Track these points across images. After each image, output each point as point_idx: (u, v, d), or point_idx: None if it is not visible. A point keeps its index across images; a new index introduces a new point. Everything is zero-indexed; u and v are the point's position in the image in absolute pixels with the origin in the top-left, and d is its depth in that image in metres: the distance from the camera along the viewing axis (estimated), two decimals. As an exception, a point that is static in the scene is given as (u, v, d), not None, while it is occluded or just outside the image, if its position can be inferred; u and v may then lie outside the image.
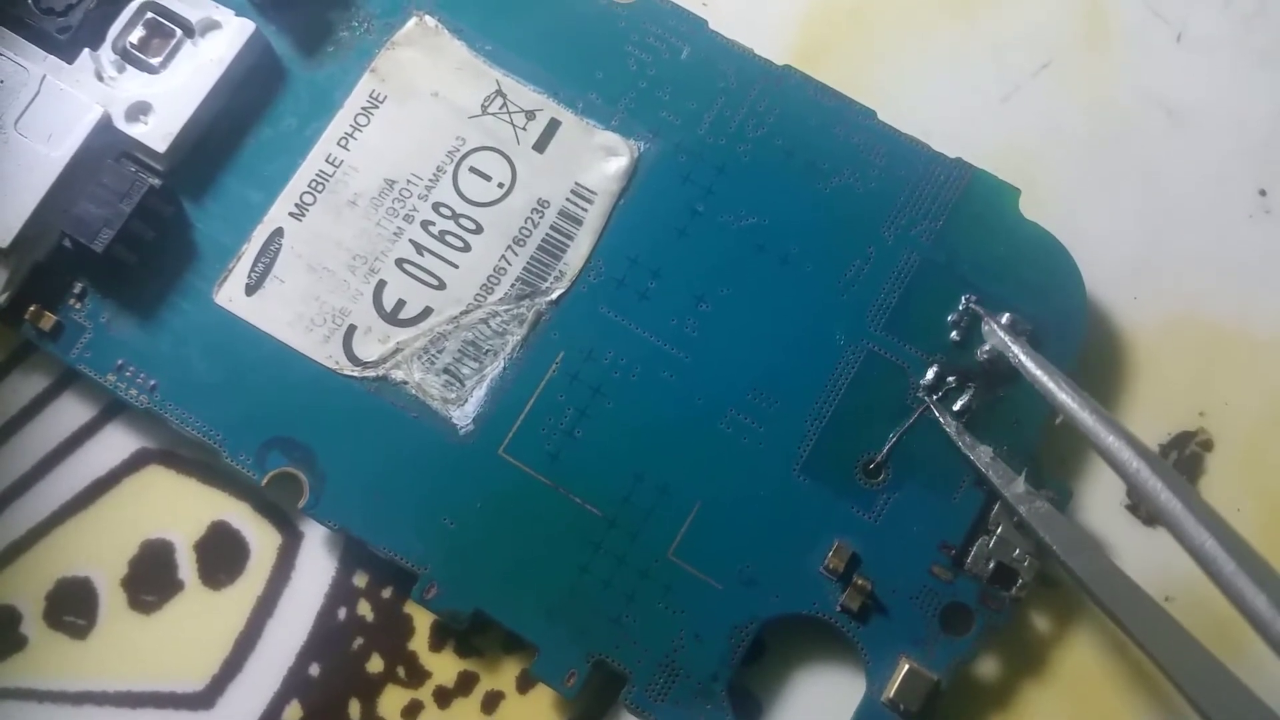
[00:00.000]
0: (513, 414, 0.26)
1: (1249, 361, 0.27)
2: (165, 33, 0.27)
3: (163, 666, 0.26)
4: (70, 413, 0.28)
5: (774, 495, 0.26)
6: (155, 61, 0.27)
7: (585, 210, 0.27)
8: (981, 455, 0.25)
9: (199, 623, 0.27)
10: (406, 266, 0.27)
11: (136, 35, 0.27)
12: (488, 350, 0.26)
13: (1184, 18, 0.29)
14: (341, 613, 0.27)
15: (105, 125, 0.26)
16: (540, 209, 0.27)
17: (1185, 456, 0.27)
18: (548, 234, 0.27)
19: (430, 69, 0.28)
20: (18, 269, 0.26)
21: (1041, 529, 0.24)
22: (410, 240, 0.27)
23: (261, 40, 0.27)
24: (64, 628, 0.27)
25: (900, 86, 0.29)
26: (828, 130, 0.27)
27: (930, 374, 0.26)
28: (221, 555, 0.27)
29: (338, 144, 0.27)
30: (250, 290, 0.27)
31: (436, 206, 0.27)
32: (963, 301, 0.26)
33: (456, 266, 0.27)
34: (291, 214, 0.27)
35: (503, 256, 0.27)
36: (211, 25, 0.27)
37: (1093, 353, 0.27)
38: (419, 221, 0.27)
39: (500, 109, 0.27)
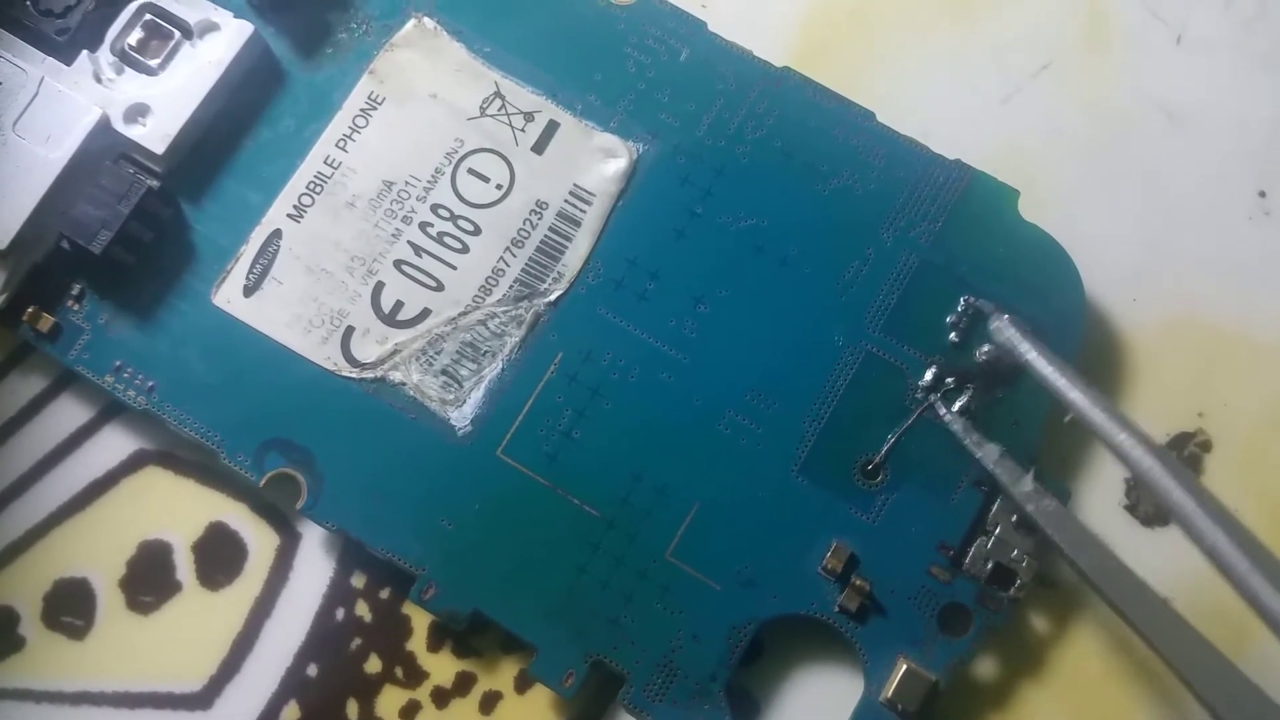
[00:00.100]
0: (511, 415, 0.26)
1: (1248, 363, 0.27)
2: (163, 34, 0.27)
3: (160, 667, 0.26)
4: (68, 414, 0.28)
5: (772, 496, 0.26)
6: (153, 63, 0.27)
7: (584, 212, 0.27)
8: (989, 453, 0.25)
9: (197, 623, 0.27)
10: (405, 268, 0.27)
11: (135, 37, 0.27)
12: (486, 351, 0.26)
13: (1184, 19, 0.29)
14: (339, 613, 0.27)
15: (103, 127, 0.26)
16: (539, 210, 0.27)
17: (1184, 457, 0.27)
18: (546, 235, 0.27)
19: (429, 71, 0.28)
20: (16, 270, 0.26)
21: (1049, 527, 0.24)
22: (408, 242, 0.27)
23: (260, 42, 0.27)
24: (62, 628, 0.27)
25: (900, 88, 0.29)
26: (827, 132, 0.27)
27: (929, 375, 0.26)
28: (219, 556, 0.27)
29: (336, 145, 0.27)
30: (248, 291, 0.27)
31: (435, 208, 0.27)
32: (962, 303, 0.26)
33: (455, 268, 0.27)
34: (290, 215, 0.27)
35: (501, 258, 0.27)
36: (210, 27, 0.27)
37: (1092, 354, 0.27)
38: (417, 223, 0.27)
39: (499, 111, 0.27)
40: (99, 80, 0.27)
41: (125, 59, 0.27)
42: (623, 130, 0.27)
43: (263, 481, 0.26)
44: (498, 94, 0.27)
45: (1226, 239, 0.28)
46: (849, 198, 0.27)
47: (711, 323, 0.26)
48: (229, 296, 0.27)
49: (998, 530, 0.25)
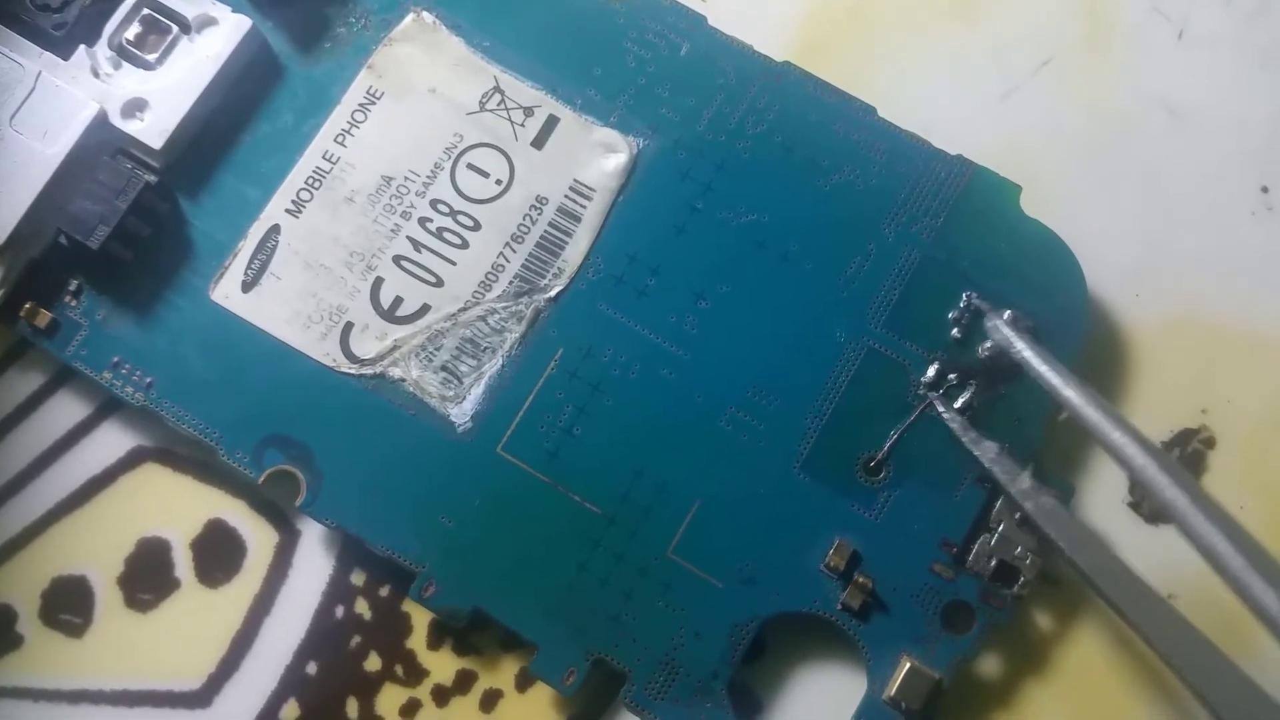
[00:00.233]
0: (511, 411, 0.26)
1: (1251, 359, 0.27)
2: (161, 29, 0.27)
3: (159, 665, 0.26)
4: (66, 410, 0.28)
5: (774, 493, 0.25)
6: (151, 58, 0.27)
7: (584, 207, 0.27)
8: (987, 450, 0.25)
9: (195, 621, 0.27)
10: (404, 263, 0.26)
11: (132, 31, 0.27)
12: (486, 348, 0.26)
13: (1185, 15, 0.29)
14: (339, 611, 0.27)
15: (101, 122, 0.26)
16: (538, 206, 0.27)
17: (1187, 454, 0.27)
18: (546, 231, 0.27)
19: (428, 65, 0.27)
20: (13, 266, 0.26)
21: (1047, 524, 0.24)
22: (408, 237, 0.27)
23: (258, 36, 0.27)
24: (60, 626, 0.27)
25: (900, 85, 0.29)
26: (828, 127, 0.27)
27: (931, 371, 0.26)
28: (218, 553, 0.27)
29: (335, 140, 0.27)
30: (247, 287, 0.26)
31: (434, 203, 0.27)
32: (964, 298, 0.26)
33: (454, 264, 0.27)
34: (288, 211, 0.27)
35: (501, 253, 0.27)
36: (208, 21, 0.27)
37: (1094, 350, 0.27)
38: (416, 218, 0.27)
39: (498, 105, 0.27)
40: (96, 75, 0.27)
41: (123, 53, 0.27)
42: (623, 125, 0.27)
43: (262, 478, 0.26)
44: (497, 89, 0.27)
45: (1229, 235, 0.28)
46: (850, 193, 0.27)
47: (712, 319, 0.26)
48: (227, 292, 0.26)
49: (1001, 527, 0.25)
